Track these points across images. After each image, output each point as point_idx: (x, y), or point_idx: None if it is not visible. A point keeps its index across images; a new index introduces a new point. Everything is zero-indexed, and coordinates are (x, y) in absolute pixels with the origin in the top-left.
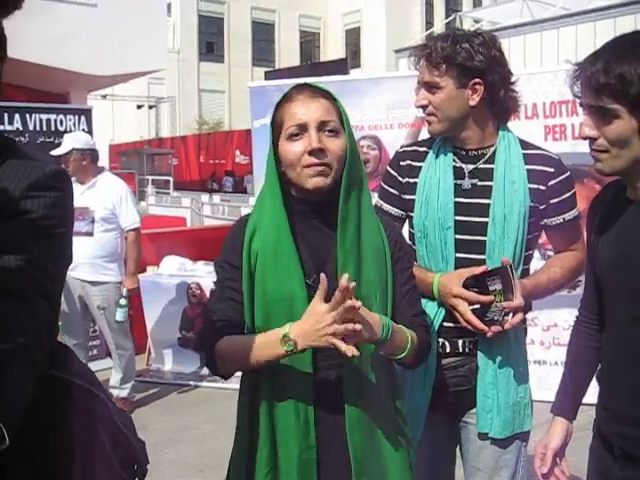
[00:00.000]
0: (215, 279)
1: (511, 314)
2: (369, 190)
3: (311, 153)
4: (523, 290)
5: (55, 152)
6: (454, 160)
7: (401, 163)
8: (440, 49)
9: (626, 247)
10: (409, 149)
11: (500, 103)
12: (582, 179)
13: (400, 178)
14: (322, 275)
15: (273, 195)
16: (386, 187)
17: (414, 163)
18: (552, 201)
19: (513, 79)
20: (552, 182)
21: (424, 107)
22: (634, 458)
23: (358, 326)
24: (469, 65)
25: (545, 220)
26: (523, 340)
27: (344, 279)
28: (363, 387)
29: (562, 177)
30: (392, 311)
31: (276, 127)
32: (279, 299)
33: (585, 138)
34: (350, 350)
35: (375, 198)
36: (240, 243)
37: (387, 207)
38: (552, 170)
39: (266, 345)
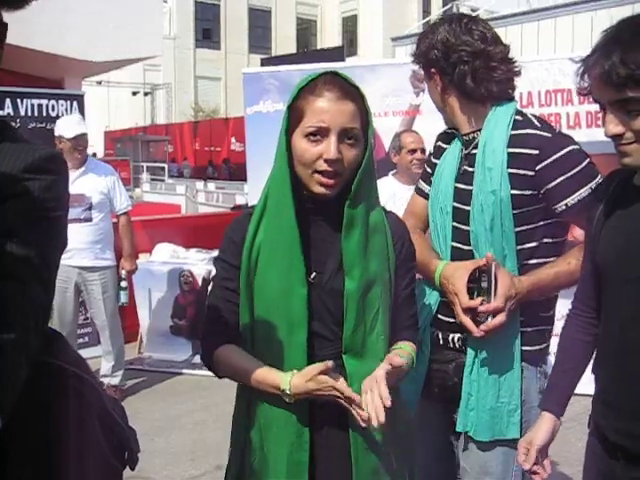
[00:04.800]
0: (214, 274)
1: (490, 317)
2: (377, 188)
3: (327, 161)
4: (515, 289)
5: (78, 131)
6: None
7: (436, 144)
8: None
9: (636, 234)
10: (449, 131)
11: (478, 83)
12: None
13: (433, 158)
14: (329, 363)
15: (282, 185)
16: (425, 166)
17: (443, 145)
18: (548, 186)
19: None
20: (540, 165)
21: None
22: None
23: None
24: (424, 59)
25: (553, 207)
26: (515, 343)
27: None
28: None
29: (553, 158)
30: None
31: (294, 116)
32: (278, 293)
33: (611, 136)
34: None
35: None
36: (241, 240)
37: (422, 185)
38: (536, 152)
39: (264, 385)
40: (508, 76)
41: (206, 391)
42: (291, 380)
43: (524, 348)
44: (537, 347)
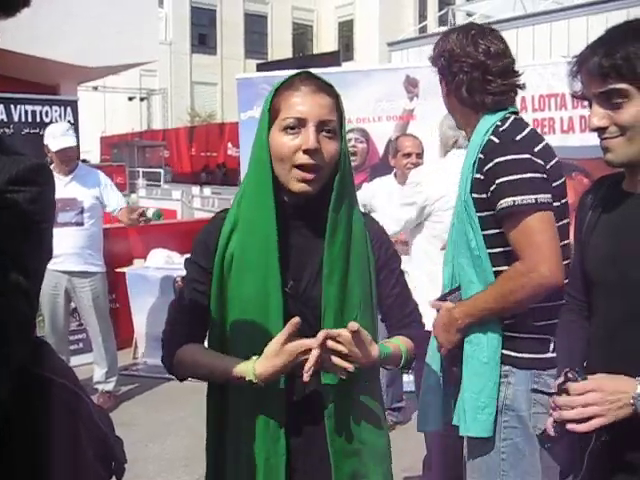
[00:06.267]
0: (184, 276)
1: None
2: (355, 191)
3: (306, 152)
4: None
5: (63, 144)
6: None
7: None
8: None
9: (626, 239)
10: None
11: (472, 94)
12: (570, 173)
13: None
14: (295, 320)
15: (261, 190)
16: None
17: None
18: (489, 189)
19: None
20: (485, 169)
21: None
22: (631, 465)
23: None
24: (436, 65)
25: None
26: (493, 344)
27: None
28: (343, 393)
29: (491, 164)
30: (382, 314)
31: (271, 114)
32: (253, 302)
33: (595, 130)
34: (307, 376)
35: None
36: (214, 244)
37: None
38: (482, 157)
39: (230, 379)
40: (504, 89)
41: (200, 397)
42: (255, 368)
43: (508, 352)
44: (530, 355)
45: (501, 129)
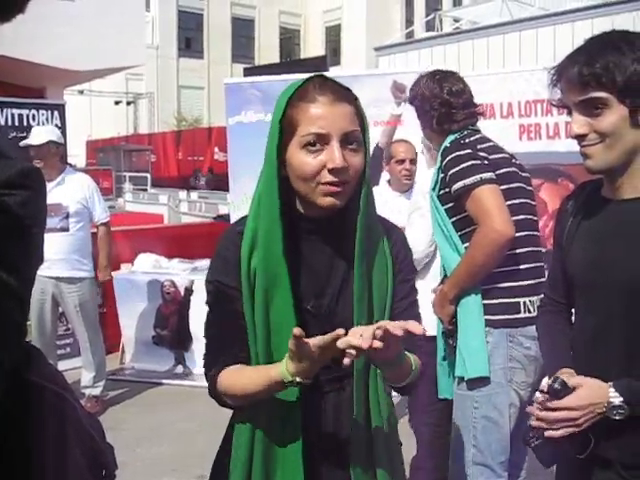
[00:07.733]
0: (208, 299)
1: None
2: (374, 197)
3: (332, 171)
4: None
5: (30, 142)
6: None
7: None
8: None
9: (606, 245)
10: None
11: (441, 124)
12: (556, 178)
13: None
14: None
15: (271, 207)
16: None
17: None
18: (447, 183)
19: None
20: (442, 168)
21: None
22: (606, 460)
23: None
24: (414, 106)
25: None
26: (475, 309)
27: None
28: (365, 428)
29: (444, 162)
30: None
31: (286, 127)
32: (276, 322)
33: (575, 137)
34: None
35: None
36: (236, 261)
37: None
38: (441, 159)
39: (268, 387)
40: (465, 116)
41: (188, 401)
42: (288, 370)
43: (487, 317)
44: (504, 316)
45: (455, 138)
